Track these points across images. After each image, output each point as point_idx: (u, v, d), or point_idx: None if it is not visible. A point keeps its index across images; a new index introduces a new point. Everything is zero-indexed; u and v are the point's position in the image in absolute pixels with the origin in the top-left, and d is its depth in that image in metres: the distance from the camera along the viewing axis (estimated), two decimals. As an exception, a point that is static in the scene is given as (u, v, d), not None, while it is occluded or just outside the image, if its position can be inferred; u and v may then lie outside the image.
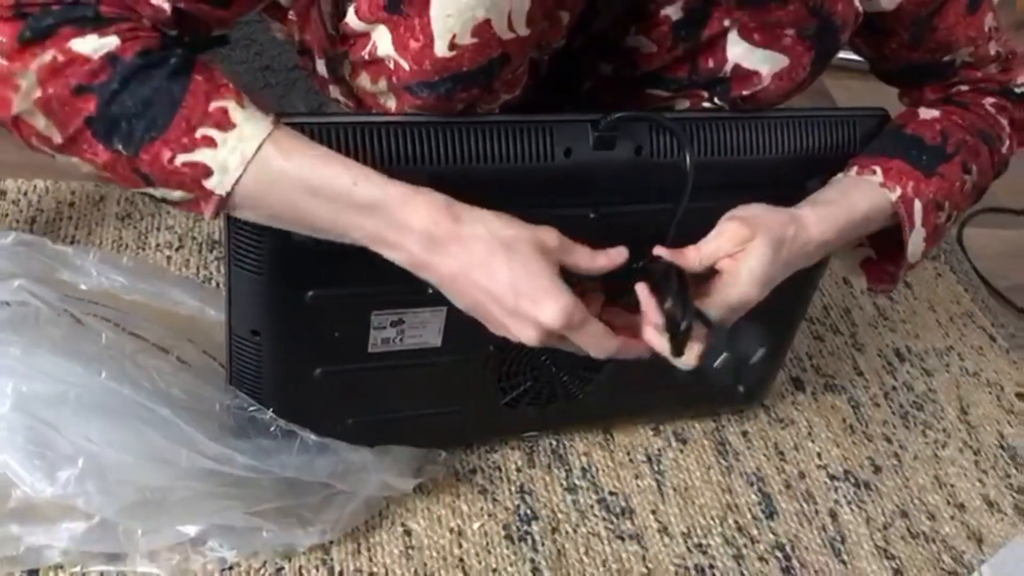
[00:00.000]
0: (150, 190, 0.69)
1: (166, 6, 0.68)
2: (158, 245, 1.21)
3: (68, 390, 0.81)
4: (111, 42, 0.64)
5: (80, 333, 0.86)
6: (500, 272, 0.71)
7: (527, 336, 0.72)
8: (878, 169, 0.88)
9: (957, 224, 1.62)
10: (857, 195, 0.87)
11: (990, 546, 1.13)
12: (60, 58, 0.64)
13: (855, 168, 0.89)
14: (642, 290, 0.78)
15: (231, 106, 0.67)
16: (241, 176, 0.67)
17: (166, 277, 0.99)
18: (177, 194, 0.68)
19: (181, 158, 0.66)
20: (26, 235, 0.94)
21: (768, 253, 0.80)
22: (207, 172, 0.67)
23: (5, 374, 0.80)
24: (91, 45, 0.64)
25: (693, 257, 0.80)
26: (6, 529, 0.84)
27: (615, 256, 0.77)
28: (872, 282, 0.99)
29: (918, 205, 0.88)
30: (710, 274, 0.82)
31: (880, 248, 0.96)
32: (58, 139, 0.66)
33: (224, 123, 0.66)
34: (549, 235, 0.73)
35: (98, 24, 0.65)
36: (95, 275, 0.93)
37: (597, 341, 0.75)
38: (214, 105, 0.66)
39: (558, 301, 0.71)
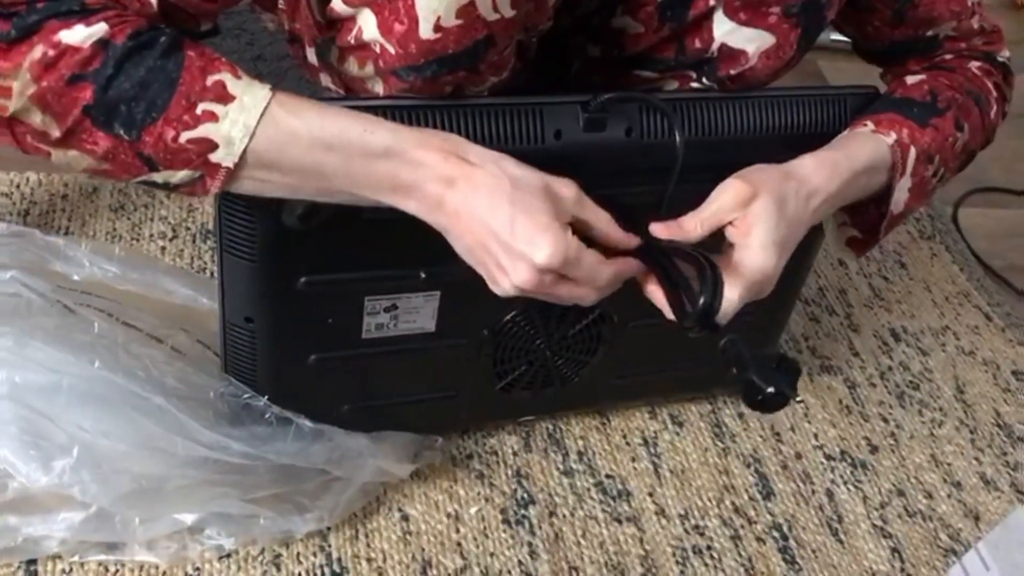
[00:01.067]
0: (153, 175, 0.69)
1: (153, 1, 0.68)
2: (152, 236, 1.21)
3: (61, 380, 0.81)
4: (100, 29, 0.64)
5: (73, 323, 0.86)
6: (502, 207, 0.70)
7: (520, 277, 0.71)
8: (869, 122, 0.88)
9: (951, 204, 1.62)
10: (854, 145, 0.87)
11: (987, 524, 1.13)
12: (50, 52, 0.64)
13: (846, 130, 0.89)
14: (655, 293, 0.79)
15: (228, 79, 0.67)
16: (248, 145, 0.67)
17: (159, 267, 0.99)
18: (181, 174, 0.68)
19: (185, 135, 0.66)
20: (18, 227, 0.94)
21: (774, 212, 0.78)
22: (212, 146, 0.67)
23: (-2, 365, 0.81)
24: (80, 34, 0.64)
25: (693, 225, 0.79)
26: (3, 520, 0.84)
27: (628, 239, 0.77)
28: (858, 253, 0.99)
29: (913, 152, 0.87)
30: (722, 248, 0.81)
31: (861, 224, 0.95)
32: (56, 132, 0.66)
33: (224, 96, 0.66)
34: (565, 187, 0.73)
35: (84, 14, 0.64)
36: (88, 266, 0.93)
37: (590, 272, 0.73)
38: (211, 79, 0.66)
39: (553, 240, 0.70)
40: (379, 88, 0.79)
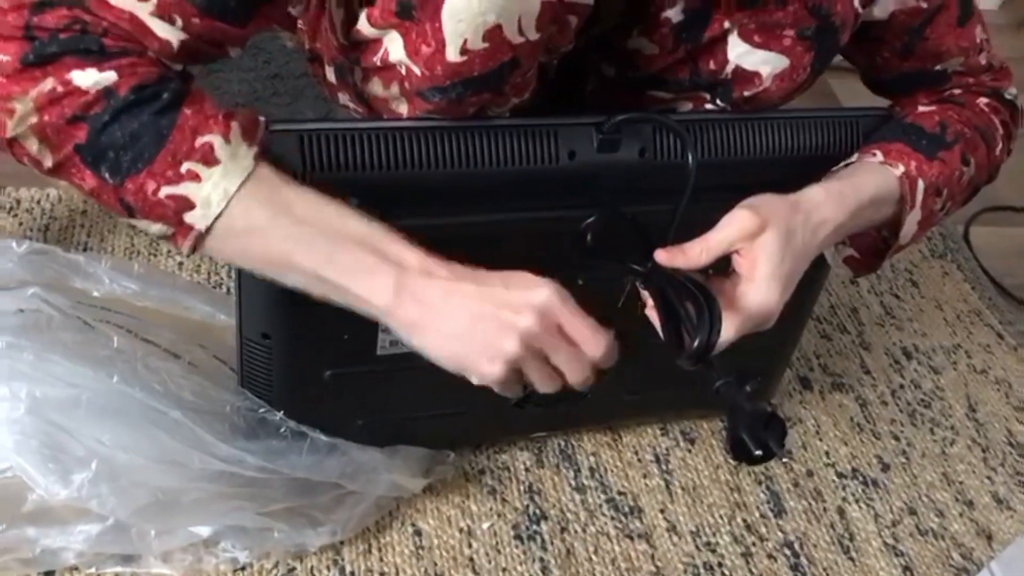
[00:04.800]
0: (132, 221, 0.70)
1: (173, 41, 0.69)
2: (169, 252, 1.23)
3: (81, 394, 0.82)
4: (109, 77, 0.66)
5: (92, 338, 0.87)
6: (490, 278, 0.72)
7: (524, 324, 0.71)
8: (878, 152, 0.88)
9: (963, 222, 1.62)
10: (862, 175, 0.87)
11: (999, 543, 1.13)
12: (59, 88, 0.65)
13: (856, 155, 0.89)
14: (653, 314, 0.80)
15: (217, 142, 0.68)
16: (223, 212, 0.68)
17: (177, 283, 1.00)
18: (156, 227, 0.69)
19: (165, 190, 0.67)
20: (39, 244, 0.95)
21: (780, 247, 0.79)
22: (189, 205, 0.68)
23: (19, 379, 0.81)
24: (91, 79, 0.65)
25: (697, 252, 0.79)
26: (22, 531, 0.85)
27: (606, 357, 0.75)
28: (856, 273, 0.99)
29: (921, 185, 0.88)
30: (723, 275, 0.81)
31: (862, 247, 0.96)
32: (48, 163, 0.68)
33: (209, 159, 0.68)
34: (538, 282, 0.74)
35: (100, 58, 0.66)
36: (107, 282, 0.94)
37: (591, 333, 0.74)
38: (200, 140, 0.67)
39: (548, 283, 0.72)
40: (403, 108, 0.80)
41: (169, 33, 0.69)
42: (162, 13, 0.68)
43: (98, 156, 0.66)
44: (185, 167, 0.67)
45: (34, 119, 0.66)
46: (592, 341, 0.74)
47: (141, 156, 0.66)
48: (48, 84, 0.65)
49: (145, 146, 0.66)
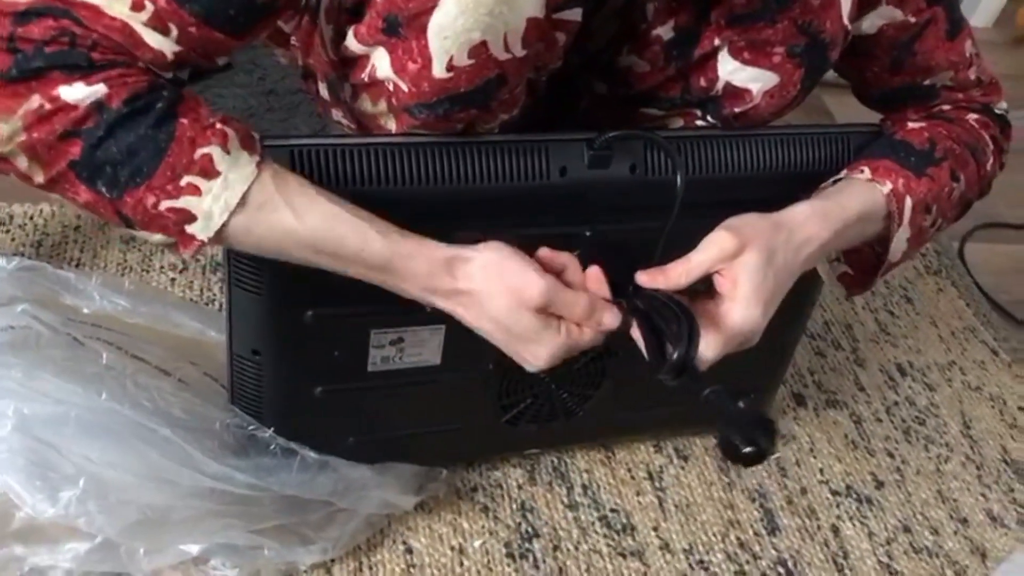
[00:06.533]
0: (131, 232, 0.70)
1: (167, 52, 0.68)
2: (162, 267, 1.23)
3: (69, 411, 0.81)
4: (98, 90, 0.64)
5: (81, 355, 0.87)
6: (492, 327, 0.77)
7: (530, 369, 0.80)
8: (866, 168, 0.88)
9: (957, 239, 1.62)
10: (848, 193, 0.87)
11: (994, 560, 1.13)
12: (47, 106, 0.64)
13: (844, 171, 0.89)
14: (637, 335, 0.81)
15: (216, 153, 0.67)
16: (226, 223, 0.68)
17: (167, 300, 1.00)
18: (157, 238, 0.69)
19: (165, 204, 0.67)
20: (29, 260, 0.95)
21: (761, 267, 0.79)
22: (191, 218, 0.68)
23: (6, 396, 0.81)
24: (79, 93, 0.64)
25: (678, 273, 0.80)
26: (10, 550, 0.84)
27: (610, 320, 0.79)
28: (849, 291, 0.99)
29: (909, 202, 0.88)
30: (708, 294, 0.81)
31: (856, 263, 0.96)
32: (40, 179, 0.67)
33: (209, 171, 0.67)
34: (533, 291, 0.76)
35: (88, 71, 0.64)
36: (97, 299, 0.94)
37: (589, 341, 0.79)
38: (199, 152, 0.67)
39: (541, 351, 0.77)
40: (392, 124, 0.80)
41: (162, 44, 0.68)
42: (157, 23, 0.67)
43: (94, 172, 0.66)
44: (185, 180, 0.66)
45: (22, 137, 0.64)
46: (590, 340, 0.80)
47: (140, 171, 0.66)
48: (35, 102, 0.64)
49: (144, 160, 0.65)
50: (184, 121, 0.67)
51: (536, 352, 0.77)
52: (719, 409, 0.78)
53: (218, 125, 0.68)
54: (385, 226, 0.73)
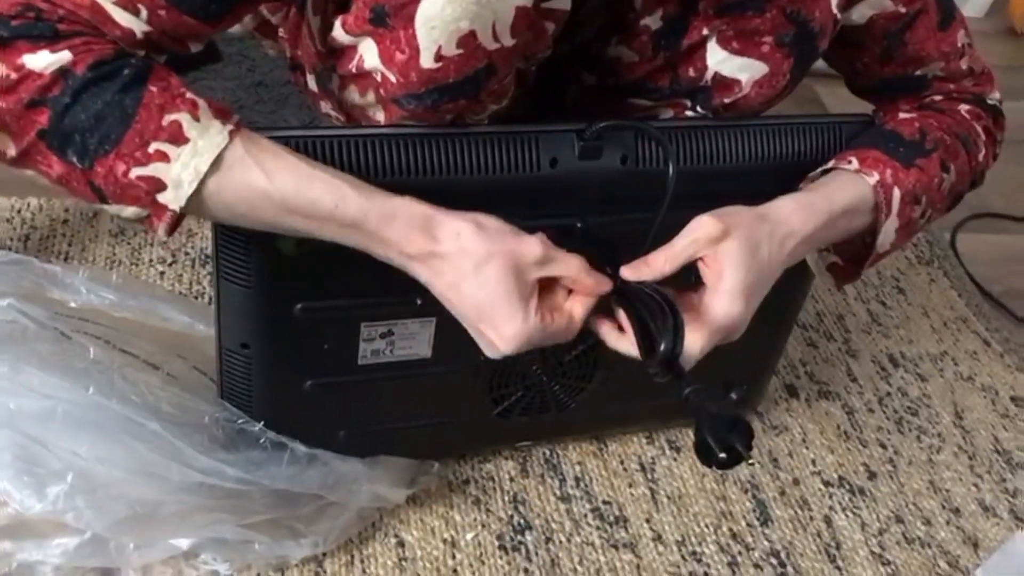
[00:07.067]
0: (104, 206, 0.69)
1: (136, 31, 0.67)
2: (151, 261, 1.22)
3: (56, 406, 0.81)
4: (63, 57, 0.64)
5: (68, 349, 0.86)
6: (466, 295, 0.73)
7: (490, 353, 0.76)
8: (853, 159, 0.88)
9: (949, 229, 1.62)
10: (835, 185, 0.86)
11: (986, 550, 1.13)
12: (12, 75, 0.64)
13: (831, 162, 0.89)
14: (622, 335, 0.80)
15: (185, 120, 0.66)
16: (196, 190, 0.67)
17: (156, 293, 0.99)
18: (130, 210, 0.68)
19: (136, 171, 0.66)
20: (16, 254, 0.94)
21: (744, 257, 0.78)
22: (161, 186, 0.66)
23: (-7, 391, 0.81)
24: (43, 61, 0.64)
25: (662, 260, 0.79)
26: (-2, 546, 0.84)
27: (598, 286, 0.78)
28: (838, 281, 0.98)
29: (897, 193, 0.87)
30: (692, 288, 0.81)
31: (845, 253, 0.95)
32: (12, 151, 0.67)
33: (178, 137, 0.66)
34: (531, 248, 0.74)
35: (52, 40, 0.64)
36: (85, 293, 0.93)
37: (556, 336, 0.77)
38: (168, 119, 0.66)
39: (512, 328, 0.73)
40: (380, 116, 0.80)
41: (131, 22, 0.67)
42: (126, 4, 0.67)
43: (64, 140, 0.65)
44: (153, 147, 0.65)
45: None
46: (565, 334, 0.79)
47: (108, 137, 0.65)
48: (0, 71, 0.63)
49: (111, 126, 0.65)
50: (153, 88, 0.66)
51: (504, 331, 0.74)
52: (696, 411, 0.77)
53: (188, 95, 0.67)
54: (363, 185, 0.71)
